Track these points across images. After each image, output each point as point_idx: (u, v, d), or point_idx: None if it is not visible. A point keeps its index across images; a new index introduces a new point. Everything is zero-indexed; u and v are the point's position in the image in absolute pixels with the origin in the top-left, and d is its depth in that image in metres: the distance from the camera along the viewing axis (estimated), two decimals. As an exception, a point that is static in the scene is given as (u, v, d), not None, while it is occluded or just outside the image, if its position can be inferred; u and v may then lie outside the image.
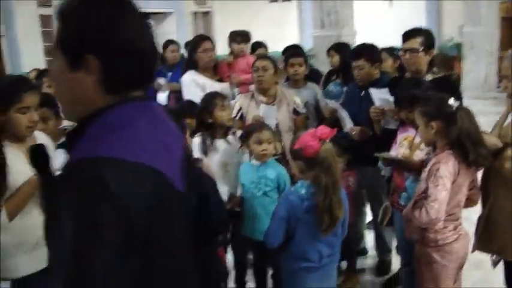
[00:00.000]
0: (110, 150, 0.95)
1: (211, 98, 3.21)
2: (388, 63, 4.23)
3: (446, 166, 2.25)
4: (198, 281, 2.22)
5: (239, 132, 3.22)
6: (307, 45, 11.57)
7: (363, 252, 4.04)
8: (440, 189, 2.23)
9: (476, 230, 2.55)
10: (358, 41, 8.76)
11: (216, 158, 3.15)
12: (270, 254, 3.16)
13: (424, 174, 2.34)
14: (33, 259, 2.28)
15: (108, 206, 0.90)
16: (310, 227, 2.29)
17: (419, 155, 2.63)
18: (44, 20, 12.26)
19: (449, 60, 13.09)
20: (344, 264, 3.59)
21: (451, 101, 2.32)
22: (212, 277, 2.34)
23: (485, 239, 2.49)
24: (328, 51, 4.62)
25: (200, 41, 4.05)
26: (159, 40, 5.63)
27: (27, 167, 2.15)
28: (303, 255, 2.37)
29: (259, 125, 3.16)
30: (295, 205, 2.28)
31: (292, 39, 13.76)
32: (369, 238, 3.91)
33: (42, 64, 11.26)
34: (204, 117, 3.18)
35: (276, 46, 5.84)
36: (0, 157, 2.16)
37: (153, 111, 1.09)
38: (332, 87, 4.26)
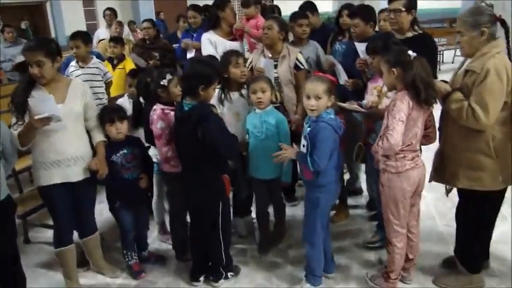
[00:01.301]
0: None
1: (228, 56, 3.67)
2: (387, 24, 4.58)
3: (401, 103, 2.71)
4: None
5: None
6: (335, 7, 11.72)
7: (359, 191, 4.56)
8: (396, 121, 2.70)
9: (433, 163, 3.01)
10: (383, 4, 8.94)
11: (230, 108, 3.65)
12: (273, 188, 3.68)
13: (385, 114, 2.82)
14: (48, 174, 3.13)
15: None
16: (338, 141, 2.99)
17: (386, 102, 3.08)
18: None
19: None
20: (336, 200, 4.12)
21: (410, 52, 2.76)
22: (212, 190, 2.99)
23: (440, 170, 2.96)
24: (340, 11, 4.96)
25: (227, 2, 4.66)
26: (196, 3, 6.15)
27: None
28: (337, 166, 3.03)
29: (256, 76, 3.64)
30: (336, 127, 2.92)
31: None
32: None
33: (83, 26, 12.09)
34: (221, 72, 3.61)
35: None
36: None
37: None
38: (338, 46, 4.67)
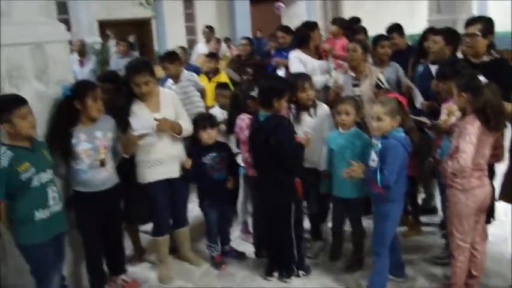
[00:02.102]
0: None
1: (295, 80, 3.85)
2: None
3: (472, 126, 2.88)
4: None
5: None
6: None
7: (434, 210, 4.66)
8: (467, 143, 2.87)
9: (502, 182, 3.13)
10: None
11: (299, 128, 3.79)
12: (351, 208, 3.77)
13: (455, 134, 3.00)
14: (151, 172, 3.56)
15: None
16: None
17: (453, 119, 3.24)
18: (187, 3, 14.22)
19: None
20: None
21: (481, 78, 2.93)
22: (284, 192, 3.32)
23: (507, 190, 3.07)
24: (424, 34, 5.08)
25: (316, 25, 5.08)
26: (290, 22, 6.95)
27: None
28: (405, 180, 3.27)
29: (343, 98, 3.84)
30: (406, 145, 3.14)
31: (421, 22, 13.78)
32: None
33: (183, 41, 13.10)
34: (291, 95, 3.67)
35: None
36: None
37: None
38: (420, 67, 4.82)
